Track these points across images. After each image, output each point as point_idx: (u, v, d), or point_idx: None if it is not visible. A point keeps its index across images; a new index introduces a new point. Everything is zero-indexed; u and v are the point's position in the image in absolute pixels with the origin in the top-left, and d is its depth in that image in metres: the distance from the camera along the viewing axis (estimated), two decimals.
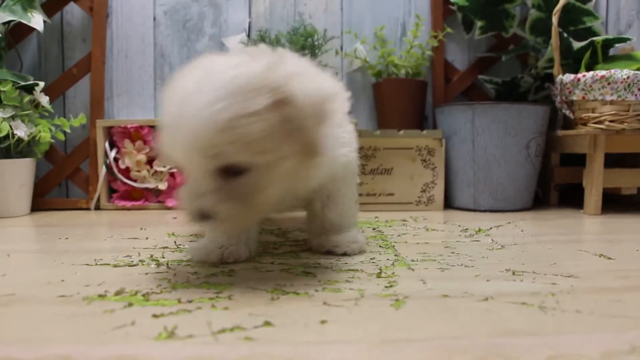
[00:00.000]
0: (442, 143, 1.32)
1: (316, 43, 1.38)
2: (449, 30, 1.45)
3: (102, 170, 1.37)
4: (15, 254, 0.79)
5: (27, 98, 1.27)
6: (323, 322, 0.47)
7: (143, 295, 0.55)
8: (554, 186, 1.42)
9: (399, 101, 1.40)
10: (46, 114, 1.33)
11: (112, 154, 1.37)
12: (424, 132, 1.31)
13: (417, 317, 0.49)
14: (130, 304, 0.52)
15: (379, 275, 0.65)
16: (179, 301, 0.53)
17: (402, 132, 1.31)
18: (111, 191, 1.41)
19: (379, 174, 1.31)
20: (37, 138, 1.28)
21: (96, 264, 0.71)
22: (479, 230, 1.00)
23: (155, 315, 0.49)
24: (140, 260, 0.73)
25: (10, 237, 0.97)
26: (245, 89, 0.50)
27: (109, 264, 0.71)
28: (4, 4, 1.28)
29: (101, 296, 0.55)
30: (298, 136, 0.52)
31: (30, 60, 1.46)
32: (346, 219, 0.78)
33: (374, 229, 1.02)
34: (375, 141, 1.30)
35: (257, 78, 0.51)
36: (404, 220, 1.13)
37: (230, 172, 0.54)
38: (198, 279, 0.62)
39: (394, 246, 0.84)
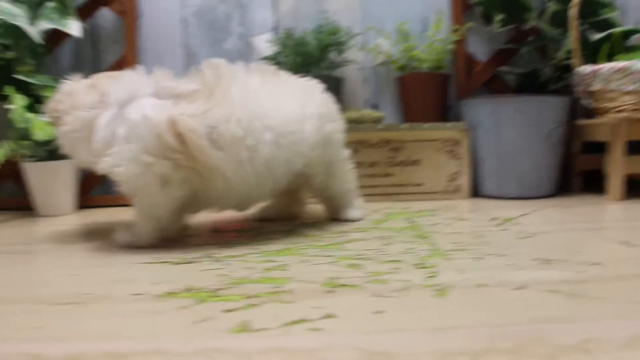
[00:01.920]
0: (467, 135, 1.36)
1: (341, 40, 1.43)
2: (468, 25, 1.49)
3: None
4: (77, 253, 0.86)
5: None
6: (377, 312, 0.53)
7: (211, 292, 0.61)
8: (577, 173, 1.46)
9: (422, 94, 1.44)
10: None
11: None
12: (449, 124, 1.36)
13: (460, 306, 0.55)
14: (201, 300, 0.58)
15: (419, 266, 0.70)
16: (245, 296, 0.59)
17: (427, 125, 1.35)
18: None
19: (407, 165, 1.36)
20: None
21: (156, 262, 0.77)
22: (507, 219, 1.05)
23: (226, 310, 0.55)
24: (197, 257, 0.79)
25: (65, 236, 1.04)
26: None
27: (168, 262, 0.77)
28: (42, 12, 1.34)
29: (171, 293, 0.61)
30: None
31: (65, 64, 1.53)
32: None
33: (407, 219, 1.08)
34: (402, 134, 1.35)
35: None
36: (434, 210, 1.19)
37: None
38: (256, 274, 0.68)
39: (428, 237, 0.90)
